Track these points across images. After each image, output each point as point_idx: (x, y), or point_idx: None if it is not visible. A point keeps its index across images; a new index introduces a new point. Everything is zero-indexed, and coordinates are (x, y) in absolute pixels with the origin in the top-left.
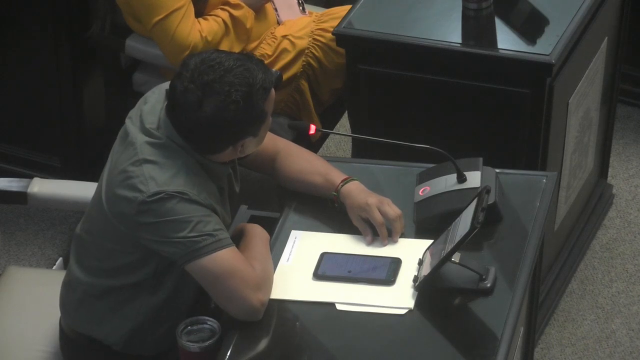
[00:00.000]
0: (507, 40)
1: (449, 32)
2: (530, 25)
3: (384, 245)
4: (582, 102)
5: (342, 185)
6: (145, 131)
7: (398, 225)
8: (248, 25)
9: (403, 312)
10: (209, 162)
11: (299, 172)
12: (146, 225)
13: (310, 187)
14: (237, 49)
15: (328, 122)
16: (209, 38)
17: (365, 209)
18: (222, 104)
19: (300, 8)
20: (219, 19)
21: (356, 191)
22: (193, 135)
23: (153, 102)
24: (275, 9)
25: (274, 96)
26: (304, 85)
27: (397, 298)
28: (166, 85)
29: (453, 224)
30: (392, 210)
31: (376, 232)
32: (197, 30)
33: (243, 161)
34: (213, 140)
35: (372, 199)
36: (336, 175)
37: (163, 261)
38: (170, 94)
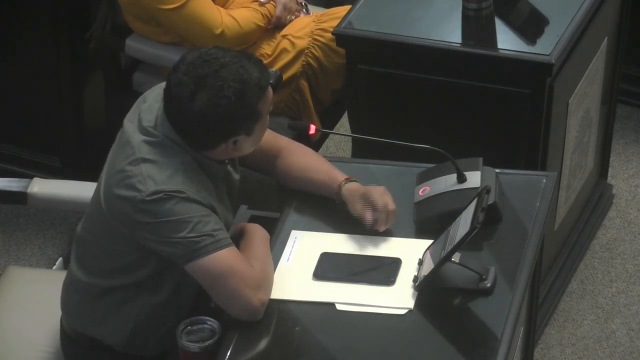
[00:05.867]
0: (507, 40)
1: (449, 32)
2: (530, 25)
3: (381, 230)
4: (582, 102)
5: (345, 183)
6: (143, 129)
7: (391, 217)
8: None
9: (403, 312)
10: (205, 160)
11: (301, 169)
12: (145, 224)
13: (313, 184)
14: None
15: (328, 122)
16: (240, 22)
17: (367, 194)
18: (213, 99)
19: (304, 10)
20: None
21: (358, 186)
22: (185, 129)
23: (151, 100)
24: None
25: (271, 97)
26: (304, 85)
27: (397, 298)
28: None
29: (453, 224)
30: (392, 201)
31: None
32: (224, 12)
33: (244, 160)
34: (204, 135)
35: (375, 188)
36: (339, 174)
37: (163, 261)
38: (165, 88)
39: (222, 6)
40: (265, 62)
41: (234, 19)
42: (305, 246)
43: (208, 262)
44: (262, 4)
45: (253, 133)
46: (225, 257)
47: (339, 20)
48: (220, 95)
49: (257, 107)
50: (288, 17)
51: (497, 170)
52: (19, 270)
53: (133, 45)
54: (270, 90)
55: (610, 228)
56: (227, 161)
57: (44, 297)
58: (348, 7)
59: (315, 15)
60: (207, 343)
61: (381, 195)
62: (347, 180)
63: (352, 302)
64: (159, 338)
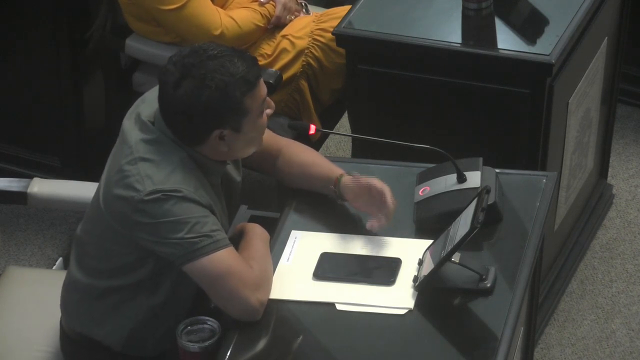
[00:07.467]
0: (507, 40)
1: (449, 32)
2: (530, 25)
3: (383, 222)
4: (582, 102)
5: (343, 176)
6: (141, 125)
7: (390, 211)
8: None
9: (403, 312)
10: (202, 157)
11: (300, 164)
12: (143, 225)
13: (312, 179)
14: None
15: (328, 122)
16: (240, 22)
17: (371, 190)
18: (195, 88)
19: (304, 10)
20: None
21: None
22: (170, 118)
23: (151, 99)
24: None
25: (262, 94)
26: (304, 85)
27: (397, 298)
28: None
29: (453, 224)
30: (390, 194)
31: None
32: (223, 13)
33: (245, 160)
34: (187, 125)
35: (374, 181)
36: (337, 169)
37: (161, 261)
38: (158, 77)
39: (222, 6)
40: (265, 62)
41: (233, 19)
42: (305, 246)
43: (206, 262)
44: (261, 4)
45: (242, 129)
46: (224, 258)
47: (339, 20)
48: (202, 85)
49: (243, 101)
50: (288, 17)
51: (497, 170)
52: (19, 270)
53: (133, 45)
54: (261, 87)
55: (610, 228)
56: (228, 162)
57: (43, 298)
58: (348, 7)
59: (315, 15)
60: (207, 343)
61: (385, 192)
62: (345, 175)
63: (352, 302)
64: (158, 338)
